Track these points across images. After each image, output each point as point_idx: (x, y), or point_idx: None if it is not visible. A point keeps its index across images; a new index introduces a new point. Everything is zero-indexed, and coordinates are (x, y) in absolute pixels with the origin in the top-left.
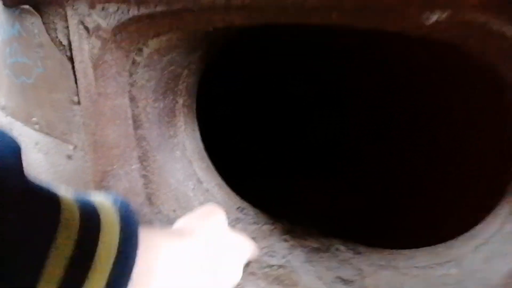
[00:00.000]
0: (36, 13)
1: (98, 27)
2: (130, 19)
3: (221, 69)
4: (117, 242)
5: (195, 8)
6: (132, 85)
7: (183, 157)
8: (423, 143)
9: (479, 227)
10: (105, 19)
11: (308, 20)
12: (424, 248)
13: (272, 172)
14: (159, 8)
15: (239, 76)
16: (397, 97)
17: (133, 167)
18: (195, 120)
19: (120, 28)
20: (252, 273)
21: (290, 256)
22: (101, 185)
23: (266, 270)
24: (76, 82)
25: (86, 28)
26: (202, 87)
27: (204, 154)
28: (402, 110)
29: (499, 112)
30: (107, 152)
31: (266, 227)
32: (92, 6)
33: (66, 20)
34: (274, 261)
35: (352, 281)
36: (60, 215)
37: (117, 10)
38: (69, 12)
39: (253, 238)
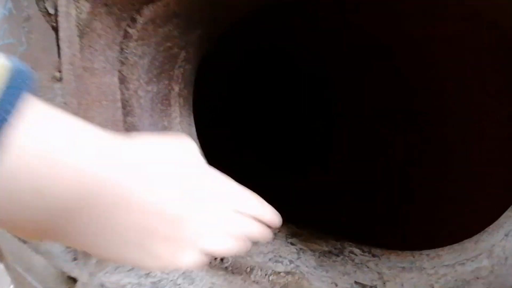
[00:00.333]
0: None
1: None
2: None
3: (216, 66)
4: None
5: None
6: (123, 62)
7: None
8: (435, 140)
9: (505, 215)
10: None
11: None
12: (448, 246)
13: (271, 174)
14: None
15: (233, 74)
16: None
17: None
18: (192, 114)
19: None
20: (256, 282)
21: (299, 261)
22: None
23: (272, 277)
24: (59, 55)
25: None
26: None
27: (200, 151)
28: (411, 108)
29: None
30: None
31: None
32: None
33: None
34: (280, 268)
35: (372, 287)
36: None
37: None
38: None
39: (256, 242)
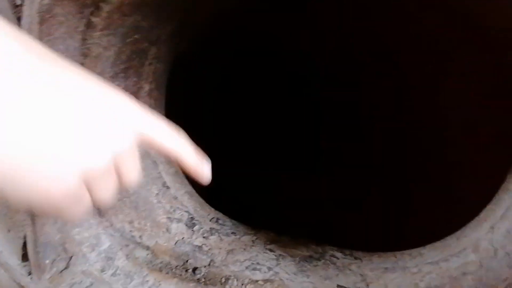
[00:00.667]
0: None
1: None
2: None
3: (196, 67)
4: None
5: None
6: (85, 55)
7: (147, 156)
8: (415, 138)
9: (487, 209)
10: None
11: None
12: (431, 244)
13: (249, 183)
14: None
15: (214, 74)
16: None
17: None
18: (164, 117)
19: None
20: None
21: (278, 268)
22: None
23: (250, 287)
24: None
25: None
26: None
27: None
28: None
29: None
30: None
31: (247, 238)
32: None
33: None
34: (258, 276)
35: None
36: None
37: None
38: None
39: (232, 250)
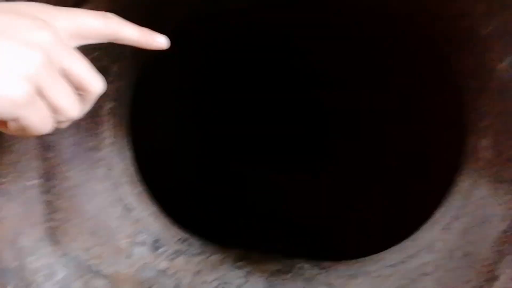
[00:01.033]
0: None
1: None
2: None
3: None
4: None
5: None
6: None
7: (107, 177)
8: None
9: (439, 211)
10: None
11: None
12: (391, 248)
13: (215, 200)
14: None
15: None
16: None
17: (31, 182)
18: (128, 136)
19: None
20: None
21: (247, 285)
22: None
23: None
24: None
25: None
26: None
27: (136, 178)
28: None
29: None
30: None
31: (215, 257)
32: None
33: None
34: None
35: None
36: None
37: None
38: None
39: (199, 271)
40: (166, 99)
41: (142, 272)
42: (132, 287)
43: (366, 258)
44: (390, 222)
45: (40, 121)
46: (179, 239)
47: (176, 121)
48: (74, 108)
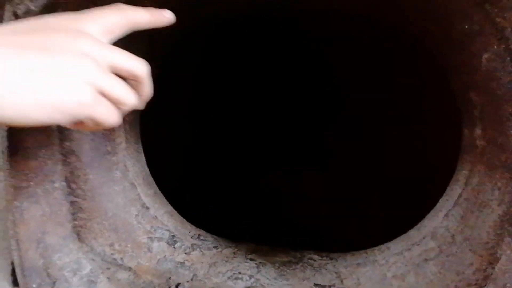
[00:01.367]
0: None
1: (28, 12)
2: None
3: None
4: None
5: None
6: None
7: (124, 179)
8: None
9: (441, 200)
10: (34, 2)
11: None
12: (397, 238)
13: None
14: None
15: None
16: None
17: (56, 185)
18: (139, 141)
19: (50, 9)
20: None
21: (259, 275)
22: (13, 205)
23: None
24: None
25: (16, 15)
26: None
27: (150, 180)
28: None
29: None
30: (24, 163)
31: (228, 250)
32: None
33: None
34: (240, 284)
35: (331, 286)
36: None
37: None
38: (7, 7)
39: (214, 263)
40: (173, 103)
41: (162, 264)
42: (153, 277)
43: (375, 248)
44: (390, 222)
45: (109, 114)
46: (194, 235)
47: (183, 124)
48: (131, 96)
